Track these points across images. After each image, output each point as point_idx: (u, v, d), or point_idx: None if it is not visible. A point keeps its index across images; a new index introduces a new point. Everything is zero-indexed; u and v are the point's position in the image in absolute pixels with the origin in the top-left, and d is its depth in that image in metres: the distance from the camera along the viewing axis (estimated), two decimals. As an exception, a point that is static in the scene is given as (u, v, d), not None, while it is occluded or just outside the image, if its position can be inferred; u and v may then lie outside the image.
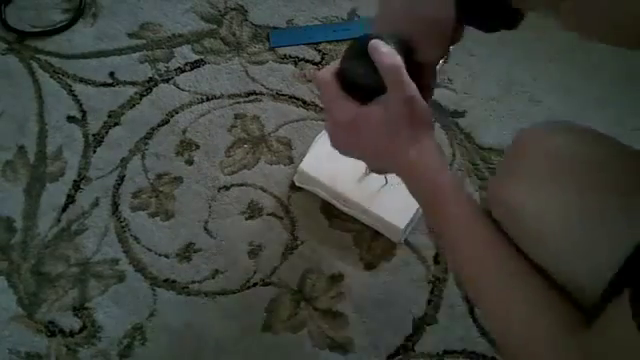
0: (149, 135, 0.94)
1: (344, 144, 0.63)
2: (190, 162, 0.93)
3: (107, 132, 0.95)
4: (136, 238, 0.88)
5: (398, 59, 0.56)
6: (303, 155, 0.92)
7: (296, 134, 0.94)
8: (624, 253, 0.42)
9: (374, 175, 0.73)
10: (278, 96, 0.96)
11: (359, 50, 0.59)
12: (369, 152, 0.62)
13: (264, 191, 0.90)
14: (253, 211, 0.89)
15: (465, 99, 0.96)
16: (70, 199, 0.90)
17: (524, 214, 0.50)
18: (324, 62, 0.99)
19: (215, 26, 1.03)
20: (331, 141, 0.64)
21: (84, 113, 0.96)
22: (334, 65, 0.61)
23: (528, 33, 0.99)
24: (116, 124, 0.95)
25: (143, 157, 0.93)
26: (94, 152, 0.94)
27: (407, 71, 0.57)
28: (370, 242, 0.86)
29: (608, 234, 0.46)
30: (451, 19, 0.58)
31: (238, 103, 0.96)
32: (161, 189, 0.91)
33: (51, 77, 0.99)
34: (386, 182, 0.80)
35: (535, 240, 0.49)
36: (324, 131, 0.66)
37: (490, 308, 0.53)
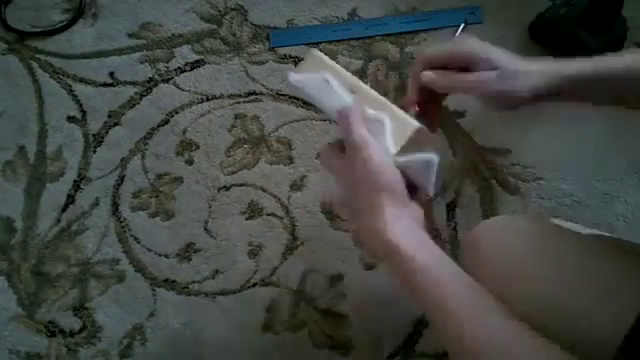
0: (149, 135, 0.94)
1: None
2: (190, 162, 0.93)
3: (107, 132, 0.95)
4: (136, 238, 0.88)
5: (353, 110, 0.57)
6: (303, 155, 0.92)
7: (296, 134, 0.94)
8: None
9: None
10: (278, 96, 0.96)
11: None
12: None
13: (264, 191, 0.90)
14: (253, 211, 0.89)
15: (465, 99, 0.95)
16: (70, 199, 0.91)
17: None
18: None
19: (215, 26, 1.03)
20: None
21: (84, 113, 0.96)
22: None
23: (527, 33, 0.99)
24: (116, 124, 0.95)
25: (143, 157, 0.93)
26: (94, 152, 0.94)
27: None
28: (370, 242, 0.86)
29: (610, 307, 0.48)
30: None
31: (238, 103, 0.96)
32: (161, 189, 0.91)
33: (51, 77, 0.99)
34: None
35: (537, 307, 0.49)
36: None
37: None
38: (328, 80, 0.62)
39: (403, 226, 0.52)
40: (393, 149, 0.57)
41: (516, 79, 0.60)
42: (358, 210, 0.55)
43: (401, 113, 0.59)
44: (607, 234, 0.66)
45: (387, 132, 0.58)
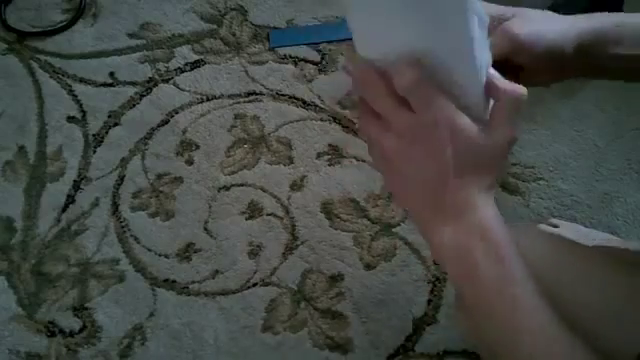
0: (149, 135, 0.94)
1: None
2: (190, 162, 0.93)
3: (107, 132, 0.95)
4: (136, 238, 0.88)
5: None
6: (303, 155, 0.92)
7: (296, 134, 0.94)
8: None
9: None
10: (278, 96, 0.96)
11: None
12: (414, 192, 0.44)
13: (264, 191, 0.90)
14: (253, 211, 0.89)
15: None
16: (70, 199, 0.90)
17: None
18: (324, 62, 0.99)
19: (215, 26, 1.03)
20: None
21: (84, 113, 0.96)
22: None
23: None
24: (116, 124, 0.95)
25: (143, 157, 0.93)
26: (94, 152, 0.94)
27: None
28: (370, 242, 0.86)
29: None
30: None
31: (238, 103, 0.96)
32: (161, 189, 0.91)
33: (51, 77, 0.99)
34: None
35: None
36: None
37: None
38: None
39: (495, 211, 0.44)
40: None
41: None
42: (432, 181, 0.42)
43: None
44: (615, 240, 0.65)
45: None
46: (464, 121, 0.39)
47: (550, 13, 0.52)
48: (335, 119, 0.94)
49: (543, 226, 0.77)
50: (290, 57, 0.99)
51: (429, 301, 0.83)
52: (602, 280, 0.52)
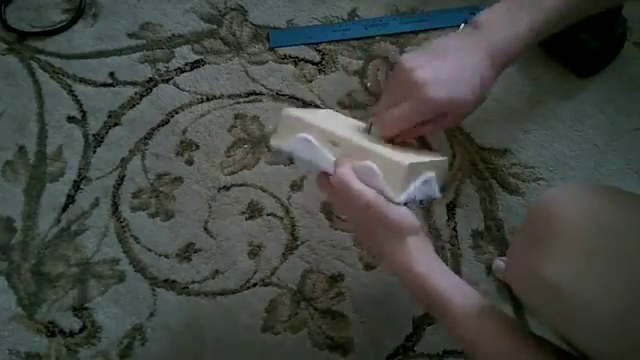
0: (149, 135, 0.94)
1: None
2: (190, 162, 0.93)
3: (107, 132, 0.95)
4: (136, 238, 0.88)
5: (344, 172, 0.60)
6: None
7: (296, 134, 0.94)
8: None
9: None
10: (278, 96, 0.96)
11: None
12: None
13: (264, 191, 0.90)
14: (253, 211, 0.89)
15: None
16: (70, 199, 0.91)
17: (562, 291, 0.44)
18: (324, 62, 0.99)
19: (215, 26, 1.03)
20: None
21: (84, 113, 0.96)
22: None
23: (528, 33, 0.99)
24: (116, 124, 0.95)
25: (143, 157, 0.93)
26: (94, 152, 0.94)
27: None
28: (370, 242, 0.86)
29: None
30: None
31: (238, 103, 0.96)
32: (161, 189, 0.91)
33: (51, 77, 0.99)
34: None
35: (576, 318, 0.44)
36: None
37: None
38: (310, 139, 0.63)
39: (427, 262, 0.62)
40: (395, 197, 0.59)
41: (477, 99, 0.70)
42: (380, 250, 0.64)
43: (387, 155, 0.60)
44: None
45: (381, 180, 0.60)
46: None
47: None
48: (335, 119, 0.94)
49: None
50: (290, 57, 0.99)
51: (429, 301, 0.83)
52: None
